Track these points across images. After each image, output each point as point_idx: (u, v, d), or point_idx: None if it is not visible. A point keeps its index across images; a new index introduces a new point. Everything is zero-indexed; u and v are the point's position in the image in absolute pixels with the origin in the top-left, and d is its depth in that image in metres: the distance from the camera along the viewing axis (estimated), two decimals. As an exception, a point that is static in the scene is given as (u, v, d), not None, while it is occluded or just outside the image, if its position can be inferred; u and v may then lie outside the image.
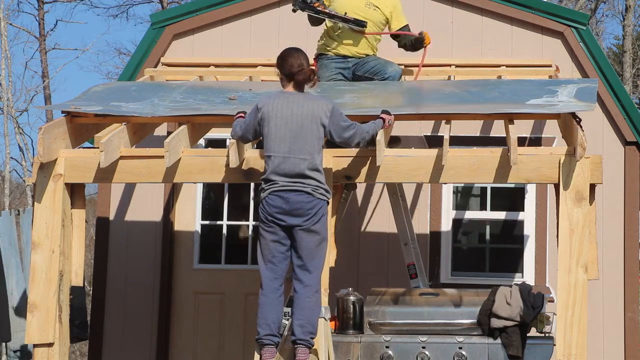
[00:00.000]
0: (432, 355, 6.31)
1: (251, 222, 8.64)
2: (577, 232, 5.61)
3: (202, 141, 8.21)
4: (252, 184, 8.15)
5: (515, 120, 6.02)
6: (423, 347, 6.33)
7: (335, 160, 5.88)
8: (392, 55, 7.70)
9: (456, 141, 7.29)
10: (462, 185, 8.53)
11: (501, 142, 6.98)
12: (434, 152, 5.85)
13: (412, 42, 7.51)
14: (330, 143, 5.74)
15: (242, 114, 5.78)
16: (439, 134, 8.19)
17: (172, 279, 8.50)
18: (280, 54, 5.66)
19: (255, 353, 5.51)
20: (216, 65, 8.29)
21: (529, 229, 8.30)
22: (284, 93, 5.60)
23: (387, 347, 6.35)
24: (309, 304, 5.43)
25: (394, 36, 7.58)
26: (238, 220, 8.77)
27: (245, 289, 8.32)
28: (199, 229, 8.62)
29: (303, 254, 5.43)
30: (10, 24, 24.02)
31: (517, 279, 8.18)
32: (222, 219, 8.69)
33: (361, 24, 7.24)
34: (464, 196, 8.74)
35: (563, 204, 5.65)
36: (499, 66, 8.02)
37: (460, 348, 6.30)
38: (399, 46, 7.63)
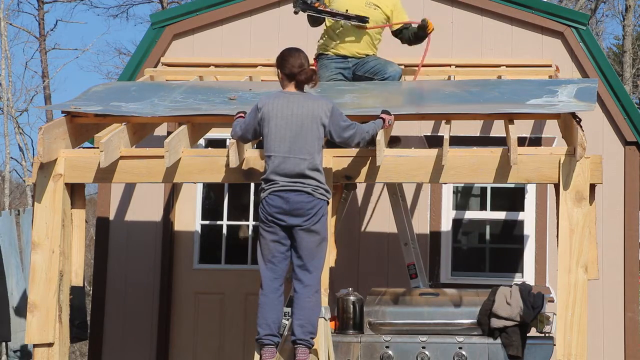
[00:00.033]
0: (432, 355, 6.31)
1: (251, 222, 8.64)
2: (577, 232, 5.61)
3: (202, 141, 8.21)
4: (252, 184, 8.15)
5: (515, 120, 6.02)
6: (423, 347, 6.33)
7: (335, 160, 5.88)
8: (392, 55, 7.70)
9: (456, 141, 7.29)
10: (462, 185, 8.53)
11: (501, 142, 6.98)
12: (434, 152, 5.85)
13: (414, 33, 7.46)
14: (330, 143, 5.74)
15: (242, 114, 5.78)
16: (439, 134, 8.19)
17: (172, 279, 8.50)
18: (280, 53, 5.66)
19: (255, 353, 5.51)
20: (216, 65, 8.29)
21: (529, 229, 8.30)
22: (284, 93, 5.60)
23: (387, 347, 6.35)
24: (309, 304, 5.43)
25: (396, 33, 7.55)
26: (238, 220, 8.77)
27: (245, 289, 8.32)
28: (199, 229, 8.62)
29: (303, 254, 5.43)
30: (10, 24, 24.04)
31: (517, 279, 8.18)
32: (222, 219, 8.69)
33: (363, 19, 7.24)
34: (464, 196, 8.74)
35: (563, 204, 5.65)
36: (499, 66, 8.03)
37: (460, 348, 6.30)
38: (403, 42, 7.59)
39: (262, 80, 7.81)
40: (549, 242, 8.15)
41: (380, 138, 5.68)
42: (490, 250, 8.76)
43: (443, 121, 6.62)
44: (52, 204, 5.87)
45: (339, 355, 6.26)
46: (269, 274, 5.48)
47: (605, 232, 7.94)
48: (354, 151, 5.87)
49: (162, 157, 5.76)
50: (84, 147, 6.72)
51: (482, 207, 8.59)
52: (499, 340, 6.29)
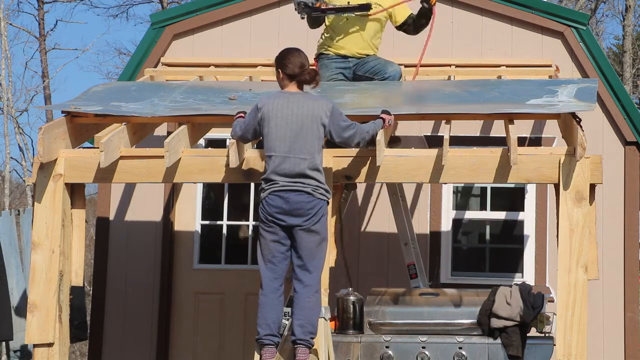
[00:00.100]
0: (432, 355, 6.31)
1: (251, 222, 8.64)
2: (577, 232, 5.61)
3: (202, 141, 8.21)
4: (252, 184, 8.15)
5: (515, 120, 6.02)
6: (423, 347, 6.33)
7: (335, 160, 5.88)
8: (393, 55, 7.70)
9: (456, 141, 7.29)
10: (462, 185, 8.53)
11: (501, 142, 6.97)
12: (434, 152, 5.84)
13: (418, 13, 7.31)
14: (330, 143, 5.74)
15: (242, 114, 5.77)
16: (439, 134, 8.19)
17: (172, 279, 8.50)
18: (281, 53, 5.66)
19: (255, 353, 5.51)
20: (216, 65, 8.29)
21: (529, 229, 8.30)
22: (284, 93, 5.60)
23: (387, 347, 6.35)
24: (309, 304, 5.43)
25: (401, 25, 7.45)
26: (238, 220, 8.77)
27: (245, 289, 8.32)
28: (199, 229, 8.62)
29: (303, 254, 5.43)
30: (10, 24, 24.03)
31: (517, 279, 8.18)
32: (222, 219, 8.69)
33: (366, 7, 7.19)
34: (464, 196, 8.74)
35: (563, 204, 5.65)
36: (499, 66, 8.03)
37: (460, 348, 6.30)
38: (409, 32, 7.41)
39: (262, 80, 7.81)
40: (549, 242, 8.15)
41: (380, 138, 5.67)
42: (490, 250, 8.76)
43: (443, 121, 6.62)
44: (52, 204, 5.86)
45: (339, 355, 6.26)
46: (269, 274, 5.48)
47: (605, 232, 7.94)
48: (354, 151, 5.87)
49: (162, 157, 5.76)
50: (84, 147, 6.72)
51: (482, 207, 8.59)
52: (499, 340, 6.29)
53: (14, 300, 9.25)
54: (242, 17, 8.67)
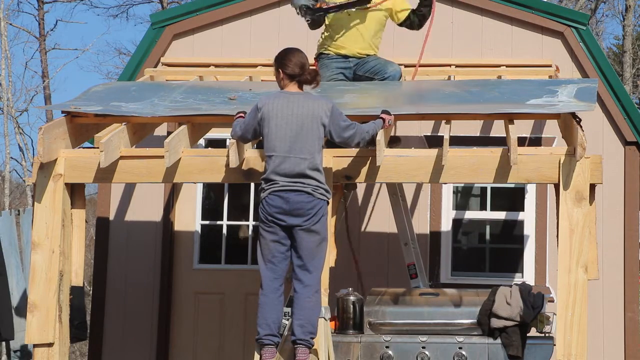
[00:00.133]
0: (432, 355, 6.31)
1: (251, 222, 8.64)
2: (577, 232, 5.61)
3: (202, 141, 8.21)
4: (252, 184, 8.14)
5: (515, 120, 6.02)
6: (423, 347, 6.33)
7: (335, 160, 5.88)
8: (393, 56, 7.70)
9: (456, 141, 7.29)
10: (462, 185, 8.53)
11: (501, 142, 6.98)
12: (434, 152, 5.84)
13: (418, 5, 7.33)
14: (330, 143, 5.73)
15: (242, 114, 5.77)
16: (439, 134, 8.19)
17: (172, 279, 8.50)
18: (280, 53, 5.66)
19: (255, 353, 5.51)
20: (216, 65, 8.29)
21: (529, 229, 8.30)
22: (284, 93, 5.60)
23: (387, 347, 6.35)
24: (309, 304, 5.43)
25: (403, 21, 7.46)
26: (238, 220, 8.77)
27: (245, 289, 8.32)
28: (199, 229, 8.61)
29: (303, 254, 5.42)
30: (10, 24, 24.04)
31: (517, 279, 8.18)
32: (222, 219, 8.69)
33: (365, 0, 7.19)
34: (464, 196, 8.74)
35: (563, 204, 5.65)
36: (499, 66, 8.03)
37: (460, 348, 6.30)
38: (413, 27, 7.43)
39: (262, 80, 7.81)
40: (549, 242, 8.15)
41: (380, 138, 5.67)
42: (490, 250, 8.76)
43: (443, 121, 6.62)
44: (52, 204, 5.86)
45: (339, 355, 6.26)
46: (269, 274, 5.48)
47: (605, 232, 7.94)
48: (354, 151, 5.86)
49: (162, 157, 5.76)
50: (84, 147, 6.72)
51: (482, 207, 8.59)
52: (499, 340, 6.28)
53: (14, 300, 9.25)
54: (242, 17, 8.67)
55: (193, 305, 8.48)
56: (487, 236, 8.77)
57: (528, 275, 8.21)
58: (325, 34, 7.43)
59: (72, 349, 18.52)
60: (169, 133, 8.00)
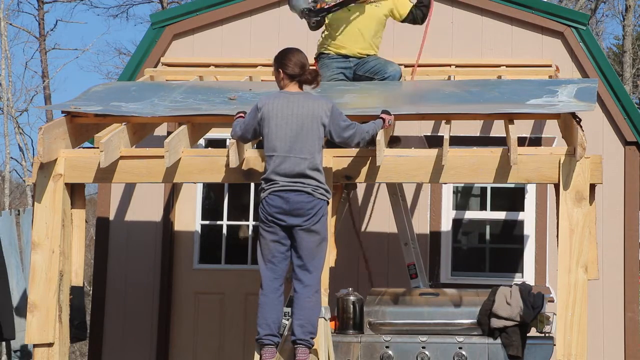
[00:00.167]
0: (432, 355, 6.31)
1: (251, 222, 8.64)
2: (577, 232, 5.61)
3: (202, 141, 8.21)
4: (252, 184, 8.14)
5: (515, 120, 6.02)
6: (423, 347, 6.33)
7: (335, 160, 5.88)
8: (393, 56, 7.70)
9: (456, 141, 7.29)
10: (462, 185, 8.53)
11: (501, 142, 6.98)
12: (434, 152, 5.84)
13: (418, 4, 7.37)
14: (330, 143, 5.73)
15: (242, 114, 5.77)
16: (439, 134, 8.19)
17: (172, 279, 8.50)
18: (280, 53, 5.66)
19: (255, 353, 5.51)
20: (216, 65, 8.29)
21: (529, 229, 8.30)
22: (284, 93, 5.60)
23: (387, 347, 6.35)
24: (309, 304, 5.43)
25: (405, 18, 7.45)
26: (238, 220, 8.77)
27: (245, 289, 8.32)
28: (199, 229, 8.61)
29: (303, 254, 5.42)
30: (10, 24, 24.04)
31: (517, 279, 8.18)
32: (222, 219, 8.69)
33: None
34: (464, 196, 8.74)
35: (563, 204, 5.65)
36: (499, 66, 8.03)
37: (460, 348, 6.30)
38: (416, 22, 7.45)
39: (262, 80, 7.81)
40: (549, 242, 8.15)
41: (380, 138, 5.67)
42: (490, 250, 8.76)
43: (443, 121, 6.62)
44: (52, 204, 5.86)
45: (339, 355, 6.26)
46: (269, 274, 5.48)
47: (605, 232, 7.94)
48: (354, 151, 5.86)
49: (162, 157, 5.76)
50: (84, 147, 6.72)
51: (482, 207, 8.59)
52: (499, 340, 6.29)
53: (14, 300, 9.25)
54: (242, 17, 8.67)
55: (193, 305, 8.48)
56: (487, 236, 8.77)
57: (528, 275, 8.21)
58: (325, 33, 7.43)
59: (72, 349, 18.52)
60: (169, 133, 8.00)
